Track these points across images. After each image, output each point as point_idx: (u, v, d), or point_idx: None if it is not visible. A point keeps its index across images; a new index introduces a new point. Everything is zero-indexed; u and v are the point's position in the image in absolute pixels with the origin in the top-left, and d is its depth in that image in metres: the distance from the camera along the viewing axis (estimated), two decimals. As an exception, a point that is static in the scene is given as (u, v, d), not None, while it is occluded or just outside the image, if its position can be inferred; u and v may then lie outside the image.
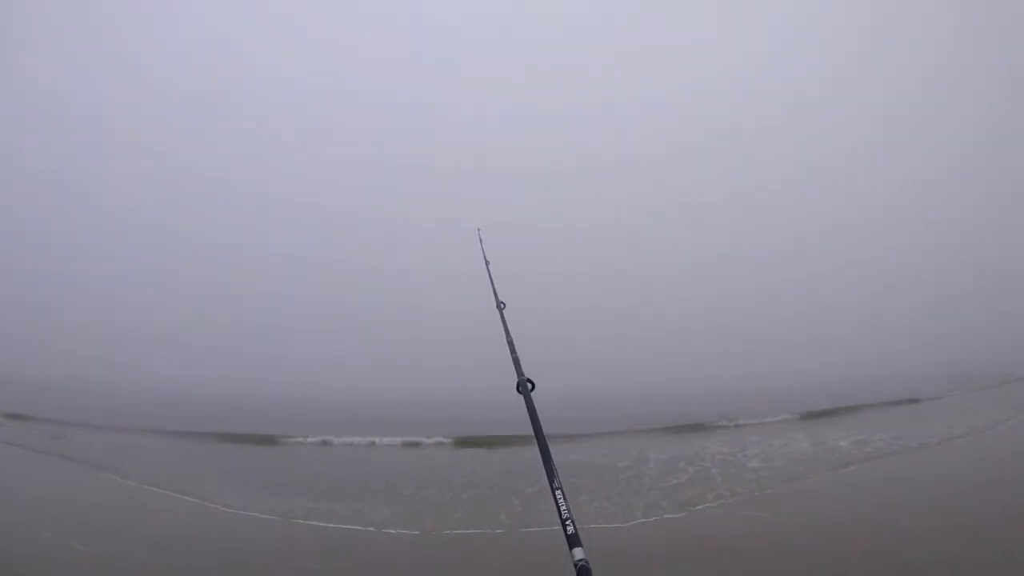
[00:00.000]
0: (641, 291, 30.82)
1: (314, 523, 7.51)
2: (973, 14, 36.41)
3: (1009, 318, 26.69)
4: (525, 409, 2.31)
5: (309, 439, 14.01)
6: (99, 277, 30.27)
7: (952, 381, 19.04)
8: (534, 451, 2.07)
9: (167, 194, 35.55)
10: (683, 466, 10.12)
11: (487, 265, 4.42)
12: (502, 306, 3.62)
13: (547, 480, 1.89)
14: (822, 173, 35.86)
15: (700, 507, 7.72)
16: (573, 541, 1.66)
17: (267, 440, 13.99)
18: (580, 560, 1.60)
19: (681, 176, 36.64)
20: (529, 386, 2.45)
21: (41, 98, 36.11)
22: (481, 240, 4.85)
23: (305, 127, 38.70)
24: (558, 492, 1.84)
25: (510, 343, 3.04)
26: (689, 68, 38.20)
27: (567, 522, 1.73)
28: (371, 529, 7.26)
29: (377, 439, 13.92)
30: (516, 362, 2.82)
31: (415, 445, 13.63)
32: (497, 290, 3.89)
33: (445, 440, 13.79)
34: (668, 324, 28.41)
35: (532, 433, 2.14)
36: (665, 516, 7.41)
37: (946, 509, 7.14)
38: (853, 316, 29.26)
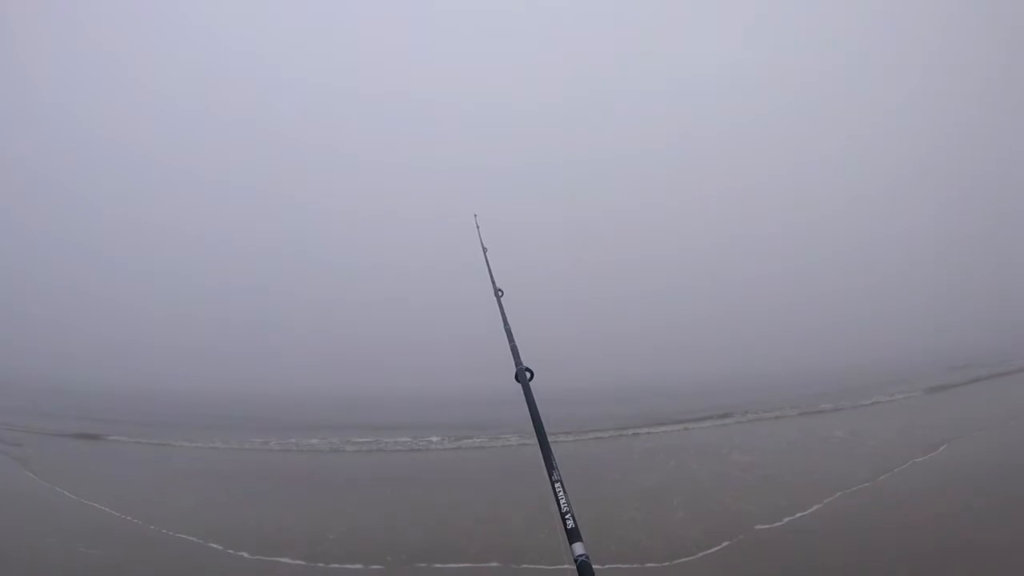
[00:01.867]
0: (640, 286, 30.83)
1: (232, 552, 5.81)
2: (973, 14, 36.15)
3: (1007, 308, 26.67)
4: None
5: (273, 445, 12.16)
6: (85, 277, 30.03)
7: (956, 371, 18.83)
8: (532, 448, 1.99)
9: (161, 194, 35.25)
10: (662, 458, 10.10)
11: (484, 252, 4.33)
12: (500, 294, 3.54)
13: (546, 473, 1.83)
14: (819, 171, 35.80)
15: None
16: (573, 536, 1.60)
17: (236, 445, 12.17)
18: (580, 555, 1.55)
19: (681, 173, 36.60)
20: (528, 375, 2.38)
21: (35, 97, 35.81)
22: (478, 226, 4.77)
23: (301, 125, 38.43)
24: (557, 485, 1.78)
25: (508, 331, 2.96)
26: (690, 67, 38.07)
27: (567, 516, 1.67)
28: (300, 563, 5.46)
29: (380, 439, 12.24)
30: (514, 351, 2.75)
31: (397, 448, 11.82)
32: (495, 278, 3.81)
33: (434, 441, 12.11)
34: (667, 317, 28.44)
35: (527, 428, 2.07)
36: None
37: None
38: (855, 311, 29.23)
